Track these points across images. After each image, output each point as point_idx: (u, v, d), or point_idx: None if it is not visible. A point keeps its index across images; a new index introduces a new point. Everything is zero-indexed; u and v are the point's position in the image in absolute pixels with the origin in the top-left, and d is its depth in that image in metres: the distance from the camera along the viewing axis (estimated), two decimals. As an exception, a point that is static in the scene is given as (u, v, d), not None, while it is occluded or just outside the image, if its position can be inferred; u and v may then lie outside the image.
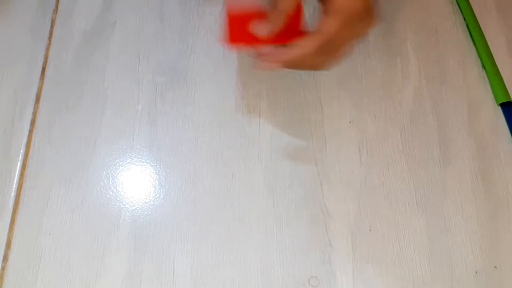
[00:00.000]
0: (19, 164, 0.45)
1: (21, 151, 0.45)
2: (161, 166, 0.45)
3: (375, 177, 0.45)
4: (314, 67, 0.40)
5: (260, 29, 0.39)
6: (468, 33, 0.52)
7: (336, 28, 0.36)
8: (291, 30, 0.39)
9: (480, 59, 0.50)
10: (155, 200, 0.44)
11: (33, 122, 0.47)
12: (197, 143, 0.46)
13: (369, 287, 0.41)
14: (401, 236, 0.43)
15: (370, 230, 0.43)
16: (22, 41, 0.50)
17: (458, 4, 0.53)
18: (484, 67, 0.50)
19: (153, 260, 0.42)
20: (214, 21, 0.52)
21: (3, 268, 0.41)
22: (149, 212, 0.43)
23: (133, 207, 0.44)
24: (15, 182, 0.44)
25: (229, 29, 0.40)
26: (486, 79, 0.50)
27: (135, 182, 0.45)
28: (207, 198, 0.44)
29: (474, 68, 0.50)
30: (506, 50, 0.51)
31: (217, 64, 0.50)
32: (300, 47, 0.38)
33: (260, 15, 0.39)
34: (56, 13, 0.52)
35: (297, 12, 0.40)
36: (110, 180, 0.45)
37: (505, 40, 0.51)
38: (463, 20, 0.53)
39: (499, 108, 0.48)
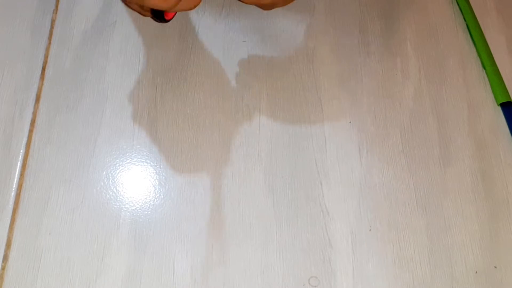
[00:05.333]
0: (19, 164, 0.45)
1: (21, 151, 0.45)
2: (161, 166, 0.45)
3: (375, 177, 0.45)
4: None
5: None
6: (468, 33, 0.52)
7: None
8: None
9: (480, 59, 0.50)
10: (155, 200, 0.44)
11: (33, 122, 0.47)
12: (197, 143, 0.46)
13: (369, 287, 0.41)
14: (401, 236, 0.43)
15: (370, 230, 0.43)
16: (22, 41, 0.50)
17: (458, 4, 0.53)
18: (484, 67, 0.50)
19: (153, 260, 0.42)
20: (214, 21, 0.52)
21: (3, 268, 0.41)
22: (149, 212, 0.43)
23: (133, 207, 0.44)
24: (15, 182, 0.44)
25: None
26: (486, 79, 0.50)
27: (135, 182, 0.45)
28: (207, 198, 0.44)
29: (474, 68, 0.50)
30: (506, 50, 0.51)
31: (217, 64, 0.50)
32: None
33: None
34: (56, 13, 0.52)
35: None
36: (110, 180, 0.45)
37: (505, 40, 0.51)
38: (463, 20, 0.53)
39: (499, 108, 0.48)
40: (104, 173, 0.45)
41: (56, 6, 0.52)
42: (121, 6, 0.52)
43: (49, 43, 0.50)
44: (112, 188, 0.44)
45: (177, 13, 0.51)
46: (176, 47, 0.50)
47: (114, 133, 0.46)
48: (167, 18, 0.46)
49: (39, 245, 0.42)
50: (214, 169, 0.45)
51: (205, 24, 0.51)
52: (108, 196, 0.44)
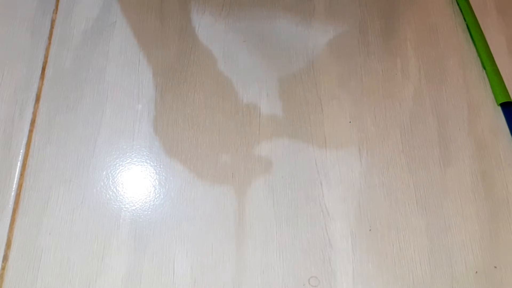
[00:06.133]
0: (19, 164, 0.45)
1: (21, 151, 0.45)
2: (161, 166, 0.45)
3: (375, 177, 0.45)
4: None
5: None
6: (468, 33, 0.52)
7: None
8: None
9: (480, 59, 0.50)
10: (155, 200, 0.44)
11: (33, 122, 0.47)
12: (197, 143, 0.46)
13: (369, 287, 0.41)
14: (401, 236, 0.43)
15: (370, 230, 0.43)
16: (22, 41, 0.50)
17: (458, 4, 0.53)
18: (484, 67, 0.50)
19: (153, 260, 0.42)
20: (214, 21, 0.52)
21: (3, 268, 0.41)
22: (149, 212, 0.43)
23: (133, 207, 0.44)
24: (15, 182, 0.44)
25: None
26: (486, 79, 0.50)
27: (135, 182, 0.45)
28: (207, 198, 0.44)
29: (474, 68, 0.50)
30: (506, 50, 0.51)
31: (217, 64, 0.50)
32: None
33: None
34: (56, 13, 0.52)
35: None
36: (110, 180, 0.45)
37: (505, 40, 0.51)
38: (463, 20, 0.53)
39: (499, 108, 0.48)
40: (104, 173, 0.45)
41: (56, 6, 0.52)
42: (121, 6, 0.52)
43: (49, 43, 0.50)
44: (112, 188, 0.44)
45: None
46: (176, 47, 0.50)
47: (114, 133, 0.46)
48: None
49: (39, 245, 0.42)
50: (214, 169, 0.45)
51: (205, 24, 0.51)
52: (108, 196, 0.44)
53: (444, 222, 0.44)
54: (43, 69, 0.49)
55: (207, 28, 0.51)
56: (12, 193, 0.44)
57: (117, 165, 0.45)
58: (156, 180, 0.45)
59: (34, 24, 0.51)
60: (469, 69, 0.50)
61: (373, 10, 0.53)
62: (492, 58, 0.50)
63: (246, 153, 0.46)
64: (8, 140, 0.46)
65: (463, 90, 0.49)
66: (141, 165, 0.45)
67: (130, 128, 0.47)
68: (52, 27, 0.51)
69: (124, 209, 0.44)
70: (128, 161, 0.46)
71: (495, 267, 0.42)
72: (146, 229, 0.43)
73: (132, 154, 0.46)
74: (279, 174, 0.45)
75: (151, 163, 0.45)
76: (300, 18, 0.52)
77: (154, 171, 0.45)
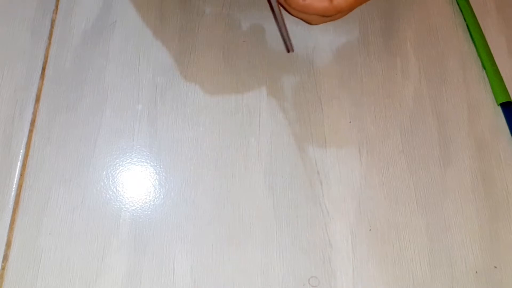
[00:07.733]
0: (19, 164, 0.45)
1: (21, 151, 0.45)
2: (161, 166, 0.45)
3: (375, 177, 0.45)
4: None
5: None
6: (468, 33, 0.52)
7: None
8: None
9: (480, 59, 0.50)
10: (155, 200, 0.44)
11: (33, 122, 0.47)
12: (197, 143, 0.46)
13: (369, 287, 0.41)
14: (401, 236, 0.43)
15: (370, 230, 0.43)
16: (22, 41, 0.50)
17: (458, 4, 0.53)
18: (484, 67, 0.50)
19: (153, 260, 0.42)
20: (214, 21, 0.52)
21: (3, 268, 0.41)
22: (149, 212, 0.43)
23: (133, 207, 0.44)
24: (15, 182, 0.44)
25: None
26: (486, 79, 0.50)
27: (135, 182, 0.45)
28: (207, 198, 0.44)
29: (474, 68, 0.50)
30: (506, 50, 0.51)
31: (217, 64, 0.50)
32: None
33: None
34: (56, 13, 0.52)
35: None
36: (110, 180, 0.45)
37: (505, 40, 0.51)
38: (463, 20, 0.53)
39: (499, 108, 0.48)
40: (104, 173, 0.45)
41: (56, 6, 0.52)
42: (121, 6, 0.52)
43: (49, 43, 0.50)
44: (112, 188, 0.44)
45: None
46: (176, 47, 0.50)
47: (114, 133, 0.46)
48: None
49: (39, 245, 0.42)
50: (214, 169, 0.45)
51: (205, 24, 0.51)
52: (108, 196, 0.44)
53: (444, 222, 0.44)
54: (43, 69, 0.49)
55: (207, 28, 0.51)
56: (12, 193, 0.44)
57: (117, 165, 0.45)
58: (156, 180, 0.45)
59: (34, 24, 0.51)
60: (469, 69, 0.50)
61: (373, 10, 0.53)
62: (492, 58, 0.50)
63: (246, 153, 0.46)
64: (8, 140, 0.46)
65: (463, 90, 0.49)
66: (141, 165, 0.45)
67: (130, 128, 0.47)
68: (52, 27, 0.51)
69: (124, 209, 0.44)
70: (128, 161, 0.46)
71: (495, 267, 0.42)
72: (146, 229, 0.43)
73: (132, 154, 0.46)
74: (279, 174, 0.45)
75: (151, 163, 0.45)
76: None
77: (154, 171, 0.45)
